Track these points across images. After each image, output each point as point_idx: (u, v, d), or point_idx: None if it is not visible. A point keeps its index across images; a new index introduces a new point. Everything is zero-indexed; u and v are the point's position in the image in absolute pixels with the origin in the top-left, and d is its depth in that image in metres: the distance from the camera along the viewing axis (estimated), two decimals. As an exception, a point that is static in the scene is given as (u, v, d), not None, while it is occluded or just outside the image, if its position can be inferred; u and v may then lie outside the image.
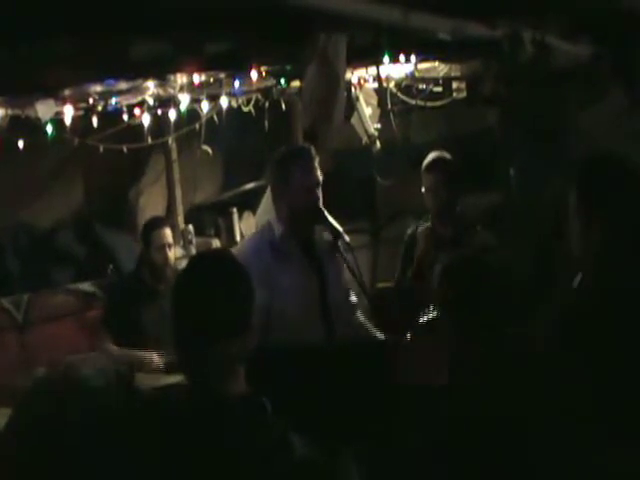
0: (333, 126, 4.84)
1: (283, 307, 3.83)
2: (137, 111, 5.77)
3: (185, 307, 2.41)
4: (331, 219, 4.00)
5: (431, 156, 5.01)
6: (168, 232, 5.50)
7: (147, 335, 5.18)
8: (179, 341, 2.42)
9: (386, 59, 5.30)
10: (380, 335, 4.17)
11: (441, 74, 6.77)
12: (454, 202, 4.99)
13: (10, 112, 4.95)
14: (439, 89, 7.12)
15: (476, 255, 3.22)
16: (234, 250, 4.77)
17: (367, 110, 6.93)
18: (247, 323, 2.41)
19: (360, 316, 4.26)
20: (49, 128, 5.12)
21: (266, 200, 6.58)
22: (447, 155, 5.03)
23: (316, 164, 3.98)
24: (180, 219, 7.20)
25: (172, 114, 5.99)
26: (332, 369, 3.45)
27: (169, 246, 5.43)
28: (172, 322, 2.41)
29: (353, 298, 4.29)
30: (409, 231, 5.19)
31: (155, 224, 5.59)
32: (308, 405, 3.10)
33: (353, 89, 6.61)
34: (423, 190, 4.97)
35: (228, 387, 2.38)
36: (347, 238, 4.03)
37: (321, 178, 3.99)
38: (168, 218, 6.74)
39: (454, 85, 7.17)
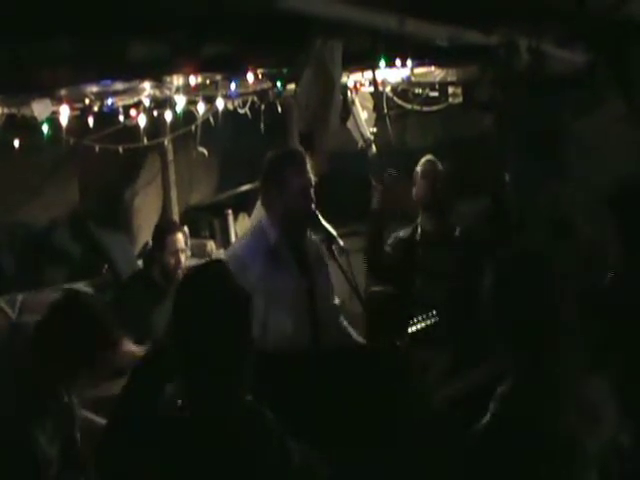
0: (329, 130, 4.85)
1: (276, 313, 3.84)
2: (133, 112, 5.78)
3: (187, 320, 2.44)
4: (325, 223, 3.99)
5: (425, 157, 5.21)
6: (181, 237, 5.57)
7: (156, 334, 5.19)
8: (181, 351, 2.44)
9: (382, 63, 5.31)
10: (361, 340, 4.21)
11: (437, 79, 6.77)
12: (442, 201, 5.14)
13: (6, 111, 4.95)
14: (435, 94, 7.12)
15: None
16: (227, 253, 4.77)
17: (363, 114, 6.92)
18: (248, 334, 2.44)
19: (343, 320, 4.26)
20: (45, 128, 5.13)
21: (259, 204, 6.59)
22: (435, 159, 5.23)
23: (309, 166, 3.98)
24: (175, 220, 7.20)
25: (168, 115, 5.99)
26: (321, 374, 3.46)
27: (182, 251, 5.49)
28: (174, 333, 2.43)
29: (336, 300, 4.30)
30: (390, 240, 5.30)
31: (170, 228, 5.66)
32: (300, 410, 3.11)
33: (349, 93, 6.61)
34: (414, 189, 5.15)
35: (229, 394, 2.41)
36: (341, 242, 4.03)
37: (313, 180, 4.00)
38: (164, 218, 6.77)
39: (450, 90, 7.17)
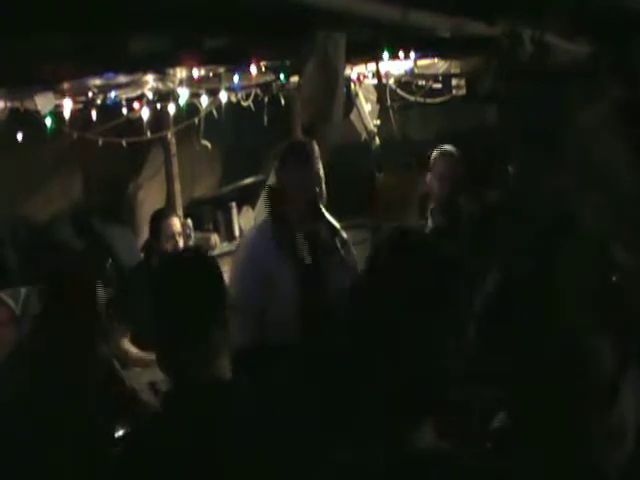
0: (332, 122, 4.84)
1: (283, 300, 3.85)
2: (136, 105, 5.77)
3: (167, 305, 2.57)
4: (328, 216, 4.00)
5: (444, 147, 5.08)
6: (177, 221, 5.59)
7: None
8: (162, 337, 2.55)
9: (385, 55, 5.30)
10: None
11: (440, 71, 6.77)
12: (456, 195, 5.03)
13: (9, 105, 4.95)
14: (438, 86, 7.13)
15: None
16: (238, 245, 4.76)
17: (366, 106, 6.93)
18: (223, 315, 2.55)
19: None
20: (48, 121, 5.12)
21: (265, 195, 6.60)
22: (453, 149, 5.10)
23: (314, 160, 3.97)
24: (179, 213, 7.21)
25: (171, 108, 5.98)
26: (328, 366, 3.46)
27: (178, 235, 5.51)
28: (154, 320, 2.51)
29: None
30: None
31: (163, 214, 5.68)
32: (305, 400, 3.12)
33: (352, 85, 6.62)
34: (428, 178, 5.02)
35: (212, 373, 2.49)
36: (344, 235, 4.04)
37: (321, 173, 3.99)
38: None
39: (453, 82, 7.17)
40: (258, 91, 6.24)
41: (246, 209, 7.57)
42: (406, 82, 6.94)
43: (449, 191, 4.98)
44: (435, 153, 5.09)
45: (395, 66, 6.21)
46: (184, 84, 5.39)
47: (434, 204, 5.07)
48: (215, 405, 2.44)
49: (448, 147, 5.10)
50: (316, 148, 4.00)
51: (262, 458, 2.42)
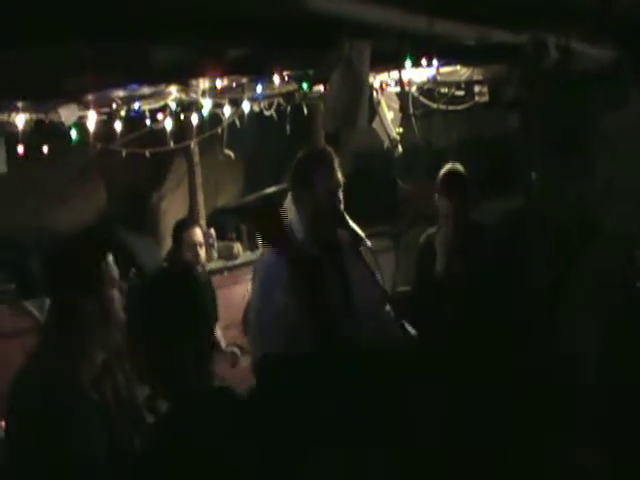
0: (357, 131, 4.83)
1: (306, 311, 3.83)
2: (160, 116, 5.80)
3: (151, 320, 2.55)
4: (352, 224, 3.99)
5: (444, 171, 5.03)
6: (198, 231, 5.62)
7: None
8: (145, 349, 2.55)
9: (408, 63, 5.28)
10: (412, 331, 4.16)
11: (463, 78, 6.75)
12: (466, 212, 5.00)
13: (34, 117, 4.99)
14: (461, 93, 7.10)
15: None
16: (259, 257, 4.75)
17: (389, 114, 6.92)
18: (206, 329, 2.60)
19: (391, 312, 4.22)
20: (73, 133, 5.16)
21: (287, 204, 6.59)
22: (459, 167, 5.05)
23: (337, 167, 3.97)
24: (202, 223, 7.22)
25: (194, 118, 6.01)
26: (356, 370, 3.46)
27: (200, 245, 5.54)
28: (135, 334, 2.57)
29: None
30: (422, 238, 5.21)
31: (186, 224, 5.72)
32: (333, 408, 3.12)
33: (375, 93, 6.60)
34: (436, 199, 5.01)
35: (197, 383, 2.51)
36: (369, 243, 4.02)
37: (342, 181, 3.99)
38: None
39: (476, 89, 7.15)
40: (281, 100, 6.24)
41: (269, 218, 7.57)
42: (428, 89, 6.91)
43: (455, 210, 4.96)
44: (441, 172, 5.06)
45: (417, 74, 6.19)
46: (207, 94, 5.40)
47: (441, 221, 5.05)
48: (208, 416, 2.45)
49: (453, 165, 5.06)
50: (335, 155, 4.00)
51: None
